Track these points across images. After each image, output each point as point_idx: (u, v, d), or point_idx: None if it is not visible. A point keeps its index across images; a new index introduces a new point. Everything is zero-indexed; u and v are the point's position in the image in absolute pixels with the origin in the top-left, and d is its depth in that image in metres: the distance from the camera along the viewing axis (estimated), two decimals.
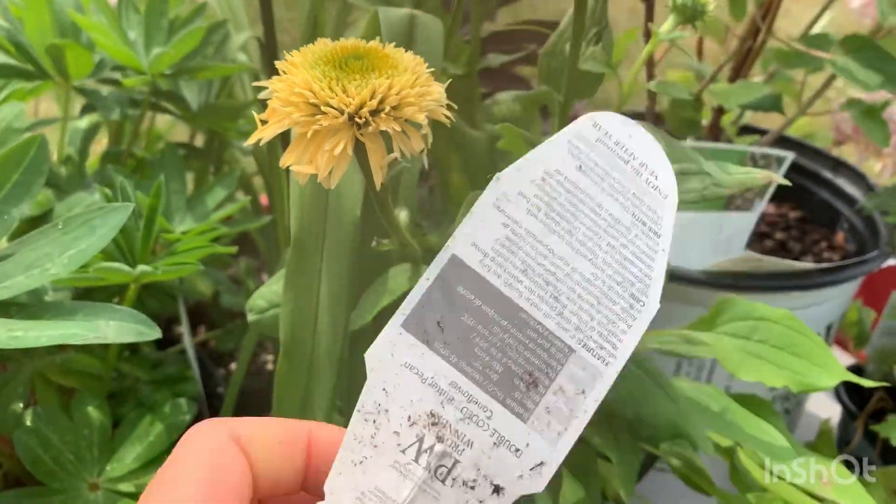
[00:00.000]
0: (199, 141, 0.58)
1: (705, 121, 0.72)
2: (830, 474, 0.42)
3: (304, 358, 0.34)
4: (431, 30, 0.39)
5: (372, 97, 0.26)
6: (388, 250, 0.33)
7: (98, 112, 0.45)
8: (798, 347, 0.42)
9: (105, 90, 0.44)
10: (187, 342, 0.45)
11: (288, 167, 0.27)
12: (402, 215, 0.34)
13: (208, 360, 0.59)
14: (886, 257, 0.63)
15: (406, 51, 0.28)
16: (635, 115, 0.41)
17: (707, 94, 0.64)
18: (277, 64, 0.27)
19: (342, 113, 0.26)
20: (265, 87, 0.27)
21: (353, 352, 0.36)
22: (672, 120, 0.72)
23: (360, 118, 0.26)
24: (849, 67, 0.55)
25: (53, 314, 0.30)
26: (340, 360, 0.35)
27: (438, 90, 0.27)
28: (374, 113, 0.26)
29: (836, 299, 0.63)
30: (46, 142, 0.32)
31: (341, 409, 0.38)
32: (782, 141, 0.78)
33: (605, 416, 0.41)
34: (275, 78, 0.27)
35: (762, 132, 0.80)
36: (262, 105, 0.27)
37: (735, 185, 0.36)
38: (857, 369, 0.77)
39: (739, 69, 0.65)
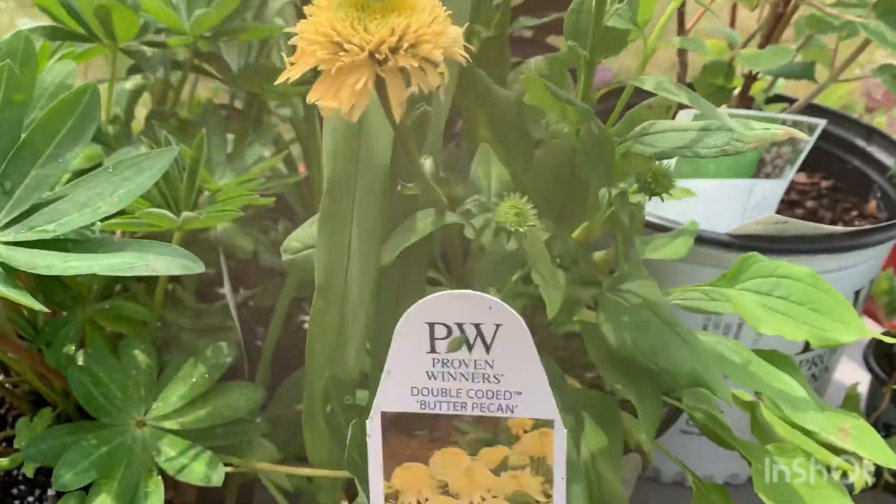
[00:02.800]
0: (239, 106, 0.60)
1: (737, 90, 0.72)
2: (851, 427, 0.43)
3: (337, 296, 0.36)
4: None
5: (391, 35, 0.28)
6: (415, 195, 0.35)
7: (143, 74, 0.47)
8: (819, 304, 0.43)
9: (150, 52, 0.47)
10: (228, 293, 0.47)
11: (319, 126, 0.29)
12: (427, 163, 0.36)
13: (249, 317, 0.62)
14: None
15: None
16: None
17: (738, 60, 0.64)
18: (305, 8, 0.29)
19: (363, 50, 0.28)
20: (295, 34, 0.29)
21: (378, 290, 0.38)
22: (702, 87, 0.72)
23: (381, 55, 0.28)
24: (881, 30, 0.55)
25: (105, 249, 0.32)
26: (371, 299, 0.37)
27: (455, 31, 0.29)
28: (394, 50, 0.28)
29: (865, 264, 0.63)
30: (98, 90, 0.34)
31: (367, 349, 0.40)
32: (814, 110, 0.78)
33: (627, 366, 0.43)
34: (301, 21, 0.29)
35: (793, 101, 0.80)
36: (293, 50, 0.29)
37: (756, 140, 0.37)
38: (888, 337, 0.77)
39: (770, 35, 0.65)
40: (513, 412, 0.32)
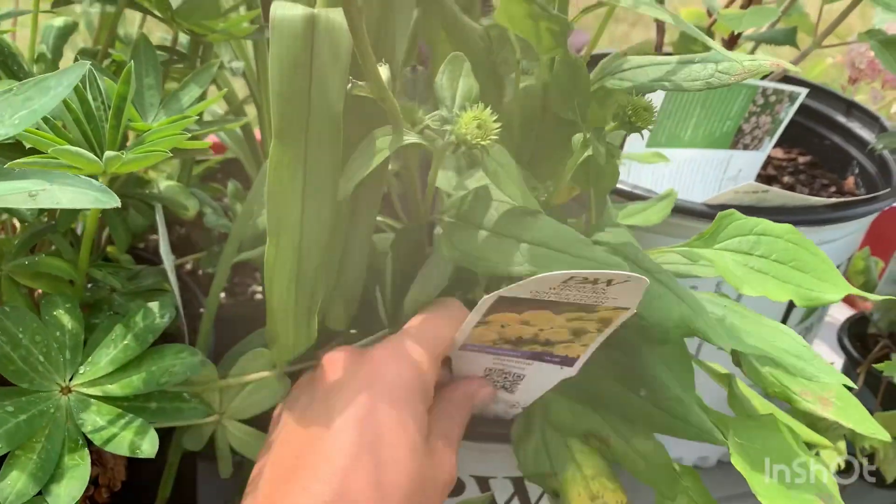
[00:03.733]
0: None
1: None
2: (834, 396, 0.40)
3: (292, 243, 0.33)
4: None
5: None
6: (370, 117, 0.31)
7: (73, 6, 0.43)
8: (802, 262, 0.40)
9: None
10: (165, 253, 0.43)
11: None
12: (384, 70, 0.33)
13: (194, 285, 0.57)
14: None
15: None
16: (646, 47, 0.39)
17: (719, 22, 0.61)
18: None
19: None
20: None
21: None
22: (680, 53, 0.69)
23: None
24: None
25: (3, 176, 0.27)
26: (327, 243, 0.34)
27: None
28: None
29: (844, 238, 0.61)
30: None
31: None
32: (794, 83, 0.75)
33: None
34: None
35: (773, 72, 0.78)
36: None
37: (744, 72, 0.34)
38: (862, 318, 0.75)
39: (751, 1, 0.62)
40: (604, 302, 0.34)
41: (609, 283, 0.33)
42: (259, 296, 0.66)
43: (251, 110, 0.68)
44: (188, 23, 0.43)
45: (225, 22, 0.44)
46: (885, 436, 0.38)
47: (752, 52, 0.70)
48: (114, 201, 0.27)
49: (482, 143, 0.33)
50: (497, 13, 0.34)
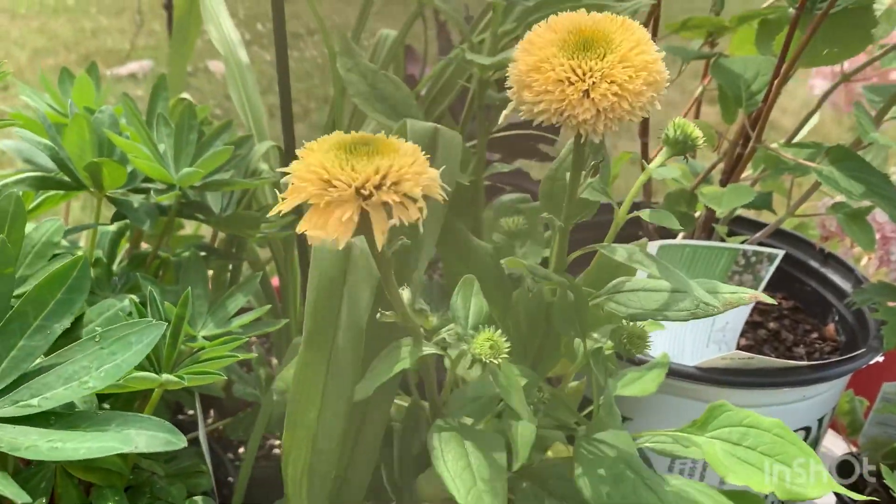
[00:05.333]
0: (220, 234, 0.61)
1: (699, 214, 0.76)
2: None
3: (307, 437, 0.38)
4: (452, 141, 0.44)
5: (376, 173, 0.31)
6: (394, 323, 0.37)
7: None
8: (787, 456, 0.44)
9: (136, 200, 0.48)
10: (202, 437, 0.47)
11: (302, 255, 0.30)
12: (405, 293, 0.38)
13: (217, 445, 0.61)
14: (875, 353, 0.65)
15: (429, 158, 0.33)
16: (634, 207, 0.45)
17: (699, 195, 0.67)
18: (298, 151, 0.32)
19: (350, 186, 0.31)
20: (282, 175, 0.32)
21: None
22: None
23: (366, 190, 0.31)
24: (834, 177, 0.59)
25: (88, 424, 0.32)
26: (341, 436, 0.38)
27: (434, 172, 0.32)
28: (378, 187, 0.31)
29: (827, 393, 0.65)
30: (88, 263, 0.35)
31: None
32: (774, 234, 0.81)
33: None
34: (294, 162, 0.32)
35: (755, 222, 0.84)
36: (285, 185, 0.32)
37: (724, 305, 0.39)
38: (851, 457, 0.78)
39: (731, 172, 0.68)
40: None
41: None
42: (277, 451, 0.69)
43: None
44: (230, 229, 0.49)
45: (262, 227, 0.49)
46: None
47: (733, 211, 0.76)
48: (182, 443, 0.32)
49: (494, 361, 0.38)
50: (507, 261, 0.40)
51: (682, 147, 0.40)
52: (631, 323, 0.41)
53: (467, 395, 0.46)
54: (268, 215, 0.34)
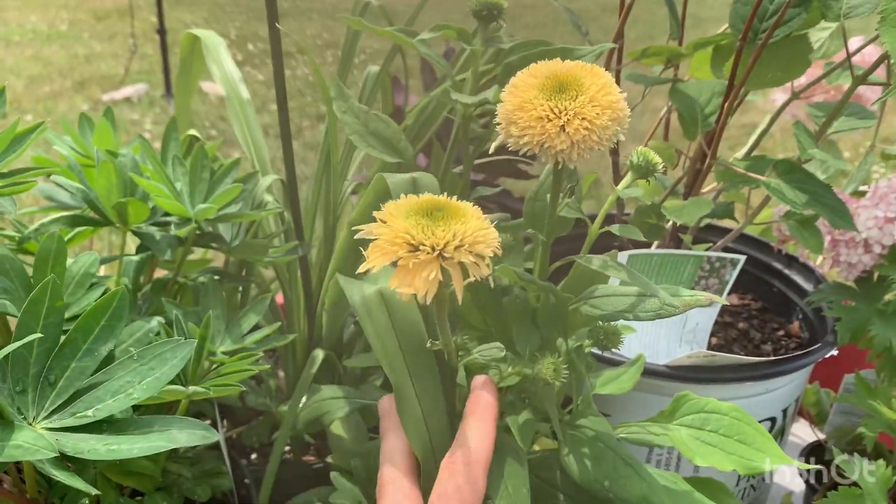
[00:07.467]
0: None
1: (669, 224, 0.82)
2: None
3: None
4: (430, 186, 0.49)
5: (454, 238, 0.37)
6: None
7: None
8: (744, 436, 0.50)
9: (157, 233, 0.54)
10: (222, 442, 0.53)
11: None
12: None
13: (232, 451, 0.67)
14: (831, 348, 0.71)
15: None
16: (606, 220, 0.51)
17: (663, 209, 0.74)
18: (377, 214, 0.38)
19: (434, 250, 0.36)
20: (366, 232, 0.38)
21: None
22: (637, 225, 0.81)
23: (447, 253, 0.37)
24: (780, 188, 0.65)
25: (134, 428, 0.38)
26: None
27: (496, 233, 0.38)
28: (455, 248, 0.37)
29: (788, 386, 0.71)
30: (126, 294, 0.41)
31: None
32: (739, 238, 0.88)
33: (583, 495, 0.49)
34: (378, 225, 0.37)
35: (724, 229, 0.90)
36: (365, 244, 0.38)
37: (684, 306, 0.45)
38: (819, 445, 0.85)
39: (692, 186, 0.74)
40: None
41: None
42: (287, 456, 0.75)
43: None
44: (242, 255, 0.55)
45: (269, 252, 0.55)
46: None
47: (700, 220, 0.82)
48: (215, 436, 0.38)
49: (557, 382, 0.45)
50: (499, 271, 0.46)
51: (645, 171, 0.46)
52: (608, 323, 0.47)
53: None
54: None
